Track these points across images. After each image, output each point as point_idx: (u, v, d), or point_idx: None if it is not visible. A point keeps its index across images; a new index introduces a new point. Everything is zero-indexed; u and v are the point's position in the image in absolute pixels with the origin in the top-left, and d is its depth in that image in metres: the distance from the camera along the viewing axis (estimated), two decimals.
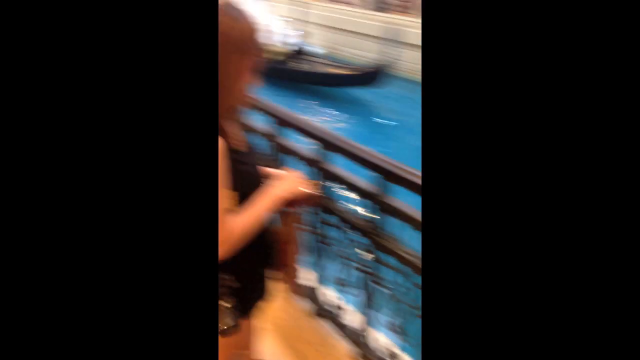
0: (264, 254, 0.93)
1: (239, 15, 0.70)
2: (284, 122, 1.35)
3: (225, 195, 0.74)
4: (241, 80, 0.73)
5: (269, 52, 7.93)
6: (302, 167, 1.28)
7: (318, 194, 1.01)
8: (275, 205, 0.84)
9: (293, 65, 7.81)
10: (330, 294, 1.44)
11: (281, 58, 7.91)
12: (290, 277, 1.00)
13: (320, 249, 1.35)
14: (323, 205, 1.27)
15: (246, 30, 0.70)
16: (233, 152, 0.77)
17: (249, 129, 0.93)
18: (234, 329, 0.84)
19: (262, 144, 1.39)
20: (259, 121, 1.41)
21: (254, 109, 1.40)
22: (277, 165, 1.44)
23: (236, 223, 0.76)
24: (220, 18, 0.66)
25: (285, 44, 8.11)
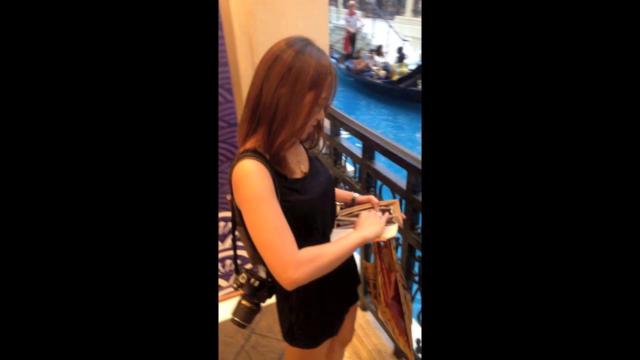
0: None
1: (317, 54, 0.74)
2: (370, 146, 1.28)
3: (275, 218, 0.72)
4: (310, 115, 0.75)
5: (387, 71, 8.06)
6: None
7: (402, 216, 0.98)
8: (359, 246, 0.82)
9: (410, 84, 7.77)
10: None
11: (398, 77, 7.91)
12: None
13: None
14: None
15: (323, 68, 0.73)
16: (284, 179, 0.77)
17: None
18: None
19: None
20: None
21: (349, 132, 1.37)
22: (362, 189, 1.39)
23: (310, 254, 0.73)
24: (299, 55, 0.72)
25: (403, 64, 8.12)
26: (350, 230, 0.88)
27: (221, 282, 1.88)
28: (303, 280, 0.70)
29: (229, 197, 0.90)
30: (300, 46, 0.73)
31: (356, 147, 1.46)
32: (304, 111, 0.73)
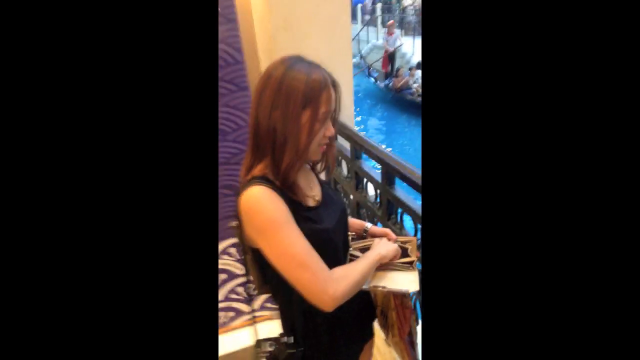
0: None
1: (307, 69, 0.68)
2: (390, 171, 1.21)
3: (299, 242, 0.67)
4: (312, 133, 0.70)
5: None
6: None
7: (416, 256, 0.91)
8: (377, 264, 0.79)
9: None
10: None
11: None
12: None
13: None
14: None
15: (315, 83, 0.68)
16: (298, 207, 0.71)
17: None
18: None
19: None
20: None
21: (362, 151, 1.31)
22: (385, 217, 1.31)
23: (352, 269, 0.71)
24: (288, 73, 0.67)
25: None
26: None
27: (243, 306, 1.85)
28: (344, 297, 0.68)
29: (234, 223, 0.86)
30: (289, 63, 0.69)
31: (376, 172, 1.39)
32: (303, 131, 0.69)
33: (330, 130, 0.73)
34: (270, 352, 0.78)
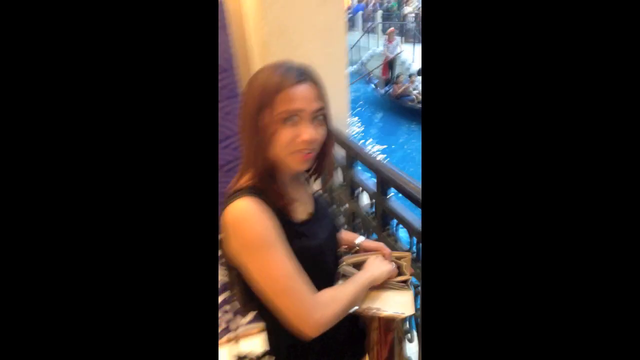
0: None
1: (269, 71, 0.65)
2: (385, 181, 1.17)
3: (287, 264, 0.63)
4: (275, 136, 0.64)
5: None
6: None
7: (410, 273, 0.86)
8: (369, 286, 0.75)
9: None
10: None
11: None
12: None
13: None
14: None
15: (271, 85, 0.63)
16: (288, 222, 0.67)
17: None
18: None
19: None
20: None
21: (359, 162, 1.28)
22: (379, 227, 1.27)
23: (327, 296, 0.66)
24: (256, 75, 0.65)
25: None
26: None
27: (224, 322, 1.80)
28: (329, 322, 0.64)
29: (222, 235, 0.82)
30: (264, 67, 0.67)
31: (371, 181, 1.35)
32: (265, 135, 0.64)
33: (307, 133, 0.64)
34: None
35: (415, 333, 1.14)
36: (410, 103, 8.32)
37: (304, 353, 0.75)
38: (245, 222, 0.62)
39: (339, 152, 1.51)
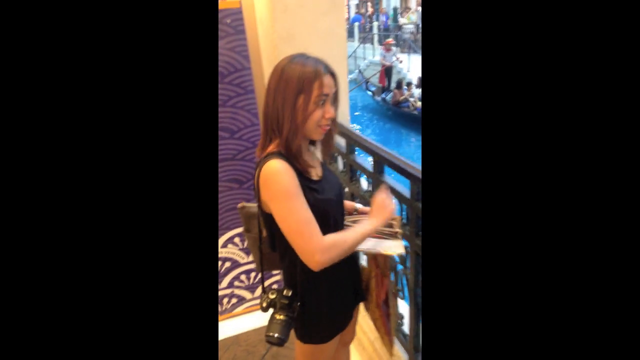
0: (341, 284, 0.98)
1: (303, 62, 0.83)
2: (379, 160, 1.38)
3: (303, 211, 0.81)
4: (307, 114, 0.84)
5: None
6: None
7: (400, 230, 1.05)
8: (371, 232, 0.90)
9: None
10: None
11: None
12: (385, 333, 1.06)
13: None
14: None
15: (307, 73, 0.82)
16: (305, 179, 0.85)
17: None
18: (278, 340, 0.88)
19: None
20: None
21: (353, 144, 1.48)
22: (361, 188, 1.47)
23: (334, 239, 0.82)
24: (288, 65, 0.83)
25: None
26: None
27: (245, 293, 1.98)
28: (328, 262, 0.82)
29: (241, 204, 1.02)
30: (292, 57, 0.86)
31: (369, 163, 1.55)
32: (299, 112, 0.84)
33: (329, 112, 0.87)
34: (272, 299, 0.92)
35: (406, 292, 1.33)
36: (407, 109, 8.57)
37: (317, 292, 0.94)
38: (277, 176, 0.82)
39: (339, 142, 1.71)
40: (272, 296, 0.92)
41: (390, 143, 8.27)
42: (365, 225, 0.91)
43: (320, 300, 0.95)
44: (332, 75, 0.88)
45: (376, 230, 0.99)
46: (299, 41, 1.76)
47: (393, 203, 0.98)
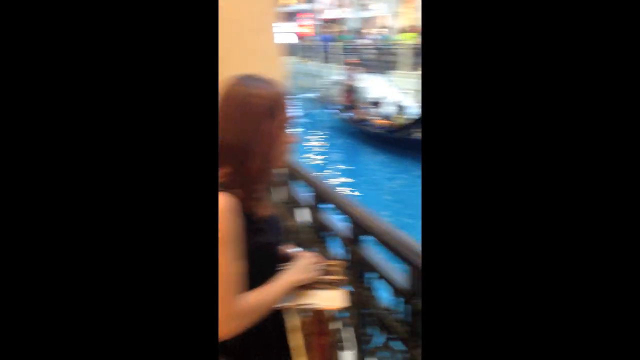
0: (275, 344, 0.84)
1: (261, 84, 0.75)
2: (322, 196, 1.24)
3: (232, 265, 0.70)
4: (275, 144, 0.76)
5: (387, 122, 8.28)
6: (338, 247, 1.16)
7: (342, 278, 0.91)
8: (290, 290, 0.79)
9: (408, 134, 7.85)
10: None
11: (397, 127, 8.03)
12: None
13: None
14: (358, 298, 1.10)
15: (273, 96, 0.74)
16: (251, 219, 0.74)
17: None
18: None
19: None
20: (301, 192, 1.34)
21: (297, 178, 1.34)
22: (316, 240, 1.32)
23: (248, 302, 0.72)
24: (244, 89, 0.73)
25: (402, 114, 8.27)
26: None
27: None
28: (244, 329, 0.72)
29: None
30: (246, 82, 0.76)
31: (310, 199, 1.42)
32: (271, 140, 0.76)
33: (292, 136, 0.80)
34: None
35: (353, 342, 1.18)
36: (368, 128, 8.64)
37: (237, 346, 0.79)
38: (220, 215, 0.69)
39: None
40: None
41: (357, 160, 8.29)
42: (286, 274, 0.80)
43: None
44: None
45: (312, 281, 0.85)
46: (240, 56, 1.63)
47: (316, 268, 0.86)
